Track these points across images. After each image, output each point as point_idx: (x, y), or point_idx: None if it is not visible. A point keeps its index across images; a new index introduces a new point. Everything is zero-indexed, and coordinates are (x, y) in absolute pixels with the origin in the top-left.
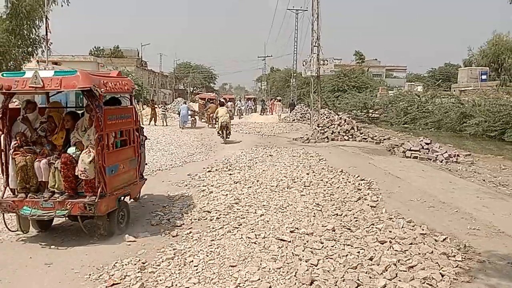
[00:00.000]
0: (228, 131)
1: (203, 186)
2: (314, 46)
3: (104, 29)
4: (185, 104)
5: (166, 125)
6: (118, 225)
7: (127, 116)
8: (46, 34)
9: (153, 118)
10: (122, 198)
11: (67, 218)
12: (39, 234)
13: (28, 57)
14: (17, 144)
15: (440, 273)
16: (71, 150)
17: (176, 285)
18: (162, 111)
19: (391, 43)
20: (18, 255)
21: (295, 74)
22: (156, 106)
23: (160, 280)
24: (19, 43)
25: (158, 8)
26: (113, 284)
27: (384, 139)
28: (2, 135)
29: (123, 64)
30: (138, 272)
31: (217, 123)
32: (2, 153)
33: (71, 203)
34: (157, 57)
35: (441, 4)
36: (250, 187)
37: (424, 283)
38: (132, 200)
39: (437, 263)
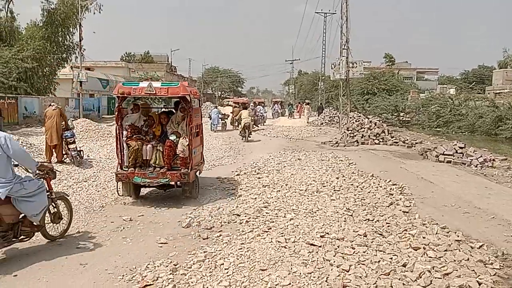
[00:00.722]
0: (249, 132)
1: (232, 189)
2: (343, 49)
3: (135, 35)
4: (216, 108)
5: None
6: (196, 190)
7: (199, 115)
8: (80, 41)
9: None
10: (197, 173)
11: (159, 188)
12: (75, 235)
13: (63, 63)
14: (129, 134)
15: (477, 281)
16: (172, 137)
17: (207, 287)
18: None
19: (423, 45)
20: (55, 256)
21: (323, 77)
22: None
23: (192, 282)
24: (54, 49)
25: (188, 14)
26: (146, 286)
27: (416, 143)
28: (116, 126)
29: (153, 69)
30: (170, 273)
31: (239, 124)
32: (116, 139)
33: (171, 173)
34: (186, 62)
35: (474, 4)
36: (279, 191)
37: None
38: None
39: (473, 270)
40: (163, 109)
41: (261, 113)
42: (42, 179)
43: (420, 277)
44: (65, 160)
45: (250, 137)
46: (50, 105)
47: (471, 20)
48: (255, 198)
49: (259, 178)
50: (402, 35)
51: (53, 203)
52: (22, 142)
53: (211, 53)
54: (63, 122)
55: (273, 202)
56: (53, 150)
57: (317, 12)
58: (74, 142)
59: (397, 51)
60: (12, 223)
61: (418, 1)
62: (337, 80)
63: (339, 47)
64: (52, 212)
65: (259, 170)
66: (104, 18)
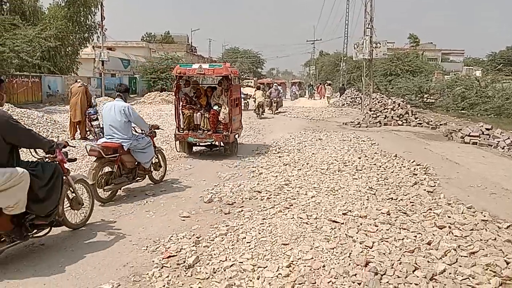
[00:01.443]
0: (262, 110)
1: (253, 167)
2: (367, 28)
3: (155, 15)
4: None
5: None
6: (235, 150)
7: (238, 90)
8: (102, 21)
9: None
10: (236, 136)
11: (207, 147)
12: (99, 208)
13: (84, 42)
14: (183, 103)
15: (505, 261)
16: (215, 107)
17: (230, 259)
18: None
19: (448, 26)
20: (80, 230)
21: (345, 58)
22: None
23: (214, 254)
24: (76, 29)
25: None
26: (170, 256)
27: (440, 125)
28: (175, 98)
29: (174, 50)
30: (193, 246)
31: (254, 103)
32: (175, 108)
33: (216, 135)
34: (206, 43)
35: None
36: (300, 169)
37: (487, 269)
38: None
39: (501, 250)
40: (208, 85)
41: (276, 93)
42: (149, 137)
43: (446, 255)
44: (88, 137)
45: (263, 115)
46: (76, 81)
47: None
48: (276, 176)
49: (279, 157)
50: (427, 16)
51: (155, 155)
52: (46, 119)
53: (232, 34)
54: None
55: (294, 180)
56: (77, 126)
57: None
58: (97, 119)
59: (421, 32)
60: (131, 168)
61: None
62: (360, 61)
63: (363, 27)
64: (153, 162)
65: (279, 149)
66: None
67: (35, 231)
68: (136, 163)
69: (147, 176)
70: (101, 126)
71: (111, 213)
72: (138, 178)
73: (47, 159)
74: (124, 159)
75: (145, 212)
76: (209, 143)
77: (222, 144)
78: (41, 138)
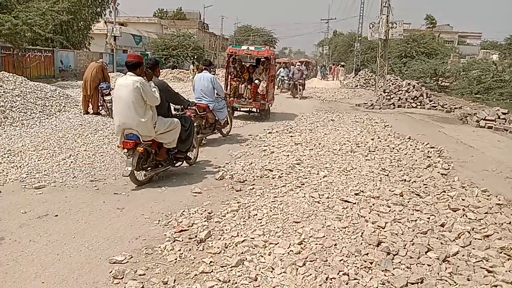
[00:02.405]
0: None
1: (264, 146)
2: (384, 6)
3: None
4: None
5: None
6: (268, 115)
7: (274, 68)
8: None
9: None
10: (269, 105)
11: (247, 112)
12: (112, 182)
13: (97, 17)
14: (231, 77)
15: None
16: (256, 81)
17: (241, 235)
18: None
19: (465, 7)
20: (94, 200)
21: (359, 38)
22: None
23: (226, 230)
24: (88, 3)
25: None
26: (181, 230)
27: (455, 108)
28: (226, 71)
29: (185, 26)
30: (205, 220)
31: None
32: (225, 80)
33: (255, 103)
34: (219, 20)
35: None
36: (312, 149)
37: (501, 252)
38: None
39: None
40: (250, 63)
41: (300, 74)
42: (224, 101)
43: (459, 237)
44: (100, 112)
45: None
46: (98, 60)
47: None
48: (288, 155)
49: (291, 136)
50: None
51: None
52: (59, 93)
53: (244, 11)
54: (102, 76)
55: (306, 160)
56: (89, 101)
57: None
58: (109, 94)
59: (438, 13)
60: (211, 123)
61: None
62: (375, 41)
63: (379, 6)
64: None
65: (291, 129)
66: None
67: (175, 162)
68: (216, 119)
69: (217, 131)
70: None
71: (124, 187)
72: (215, 131)
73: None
74: (208, 116)
75: (157, 186)
76: (249, 109)
77: (259, 110)
78: (184, 99)
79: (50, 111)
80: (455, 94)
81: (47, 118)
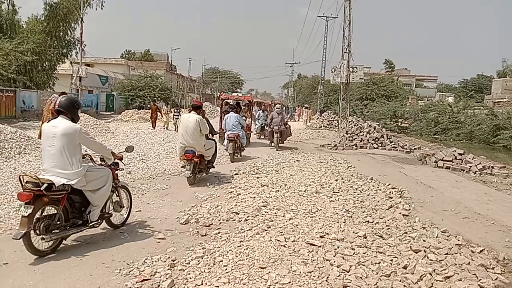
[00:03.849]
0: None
1: (231, 188)
2: (345, 52)
3: (135, 33)
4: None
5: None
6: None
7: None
8: (81, 37)
9: (156, 122)
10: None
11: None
12: None
13: (63, 58)
14: (224, 114)
15: (479, 285)
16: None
17: (206, 283)
18: (175, 115)
19: (422, 52)
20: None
21: (322, 81)
22: (158, 108)
23: (190, 278)
24: (54, 44)
25: (189, 14)
26: (144, 280)
27: (415, 149)
28: (220, 110)
29: (153, 68)
30: (168, 269)
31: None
32: (220, 117)
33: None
34: (186, 62)
35: (473, 14)
36: (278, 190)
37: None
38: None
39: (475, 274)
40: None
41: (279, 118)
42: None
43: (421, 279)
44: None
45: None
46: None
47: (470, 30)
48: (254, 197)
49: (258, 177)
50: (402, 42)
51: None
52: (20, 135)
53: (211, 53)
54: None
55: (272, 202)
56: None
57: (319, 16)
58: None
59: (396, 58)
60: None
61: (418, 9)
62: (337, 84)
63: (340, 51)
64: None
65: (258, 170)
66: (106, 15)
67: (208, 167)
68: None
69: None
70: None
71: (84, 234)
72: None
73: None
74: (237, 141)
75: (119, 233)
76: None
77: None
78: (214, 129)
79: (9, 153)
80: (414, 135)
81: (5, 161)
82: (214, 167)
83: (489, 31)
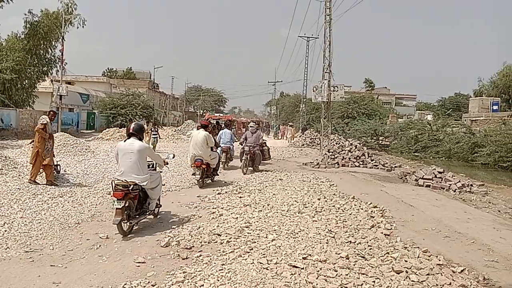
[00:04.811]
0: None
1: (213, 208)
2: (326, 72)
3: (117, 51)
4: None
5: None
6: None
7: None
8: (62, 55)
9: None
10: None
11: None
12: (49, 252)
13: (43, 76)
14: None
15: None
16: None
17: None
18: (153, 135)
19: (401, 71)
20: (27, 274)
21: (304, 100)
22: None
23: None
24: (35, 62)
25: (172, 32)
26: None
27: (395, 167)
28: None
29: (135, 86)
30: None
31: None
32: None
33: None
34: (169, 80)
35: (451, 34)
36: (261, 210)
37: None
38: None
39: None
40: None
41: (254, 139)
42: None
43: None
44: (41, 175)
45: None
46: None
47: (448, 50)
48: (237, 217)
49: (240, 197)
50: (382, 62)
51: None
52: None
53: (194, 72)
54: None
55: (254, 222)
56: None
57: (300, 36)
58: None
59: (376, 77)
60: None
61: (396, 30)
62: (319, 103)
63: (321, 71)
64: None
65: (240, 189)
66: (88, 33)
67: (214, 174)
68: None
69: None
70: (55, 163)
71: (61, 258)
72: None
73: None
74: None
75: (97, 257)
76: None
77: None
78: (216, 142)
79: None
80: (395, 153)
81: None
82: (218, 174)
83: (466, 51)
